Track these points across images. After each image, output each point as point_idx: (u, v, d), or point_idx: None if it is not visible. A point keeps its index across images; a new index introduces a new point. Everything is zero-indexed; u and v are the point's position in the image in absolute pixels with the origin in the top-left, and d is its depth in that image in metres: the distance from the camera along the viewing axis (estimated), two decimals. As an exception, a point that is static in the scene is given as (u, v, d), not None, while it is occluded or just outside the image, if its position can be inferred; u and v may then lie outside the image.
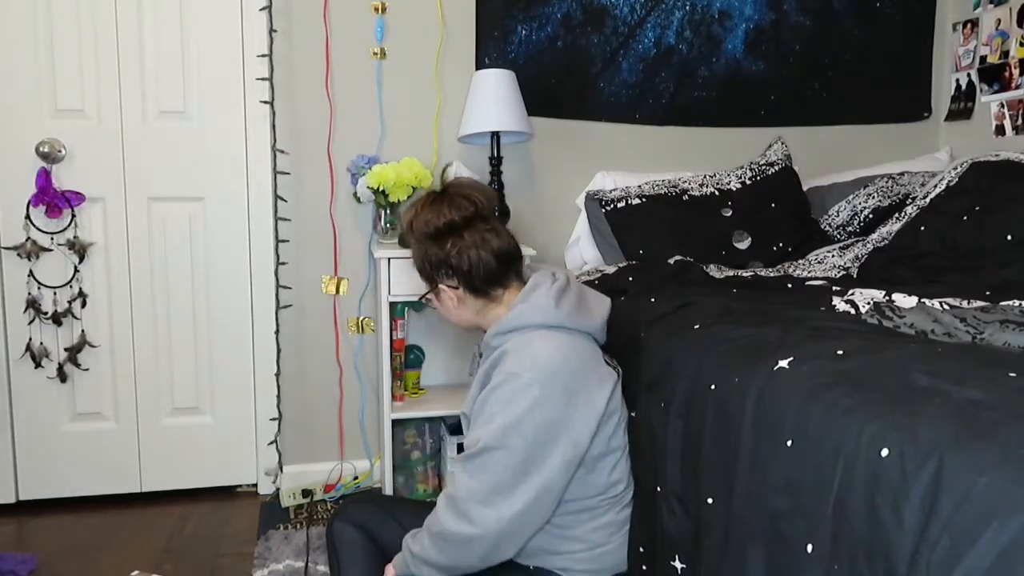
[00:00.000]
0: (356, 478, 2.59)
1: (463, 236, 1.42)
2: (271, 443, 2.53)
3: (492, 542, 1.31)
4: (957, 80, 2.88)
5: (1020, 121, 2.62)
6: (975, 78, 2.79)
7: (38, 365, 2.38)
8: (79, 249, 2.37)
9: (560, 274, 1.50)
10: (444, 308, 1.52)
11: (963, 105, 2.85)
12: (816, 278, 2.04)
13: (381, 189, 2.31)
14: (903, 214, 2.22)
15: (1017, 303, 1.45)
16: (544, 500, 1.32)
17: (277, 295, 2.48)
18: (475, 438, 1.34)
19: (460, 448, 2.39)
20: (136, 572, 1.92)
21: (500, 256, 1.44)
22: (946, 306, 1.44)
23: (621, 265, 2.25)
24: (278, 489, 2.52)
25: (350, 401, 2.60)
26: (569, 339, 1.39)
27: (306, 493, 2.47)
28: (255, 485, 2.59)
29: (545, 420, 1.30)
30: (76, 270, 2.39)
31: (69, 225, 2.36)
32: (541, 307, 1.40)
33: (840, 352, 1.15)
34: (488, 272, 1.43)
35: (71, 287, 2.39)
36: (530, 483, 1.31)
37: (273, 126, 2.43)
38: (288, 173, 2.47)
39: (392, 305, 2.30)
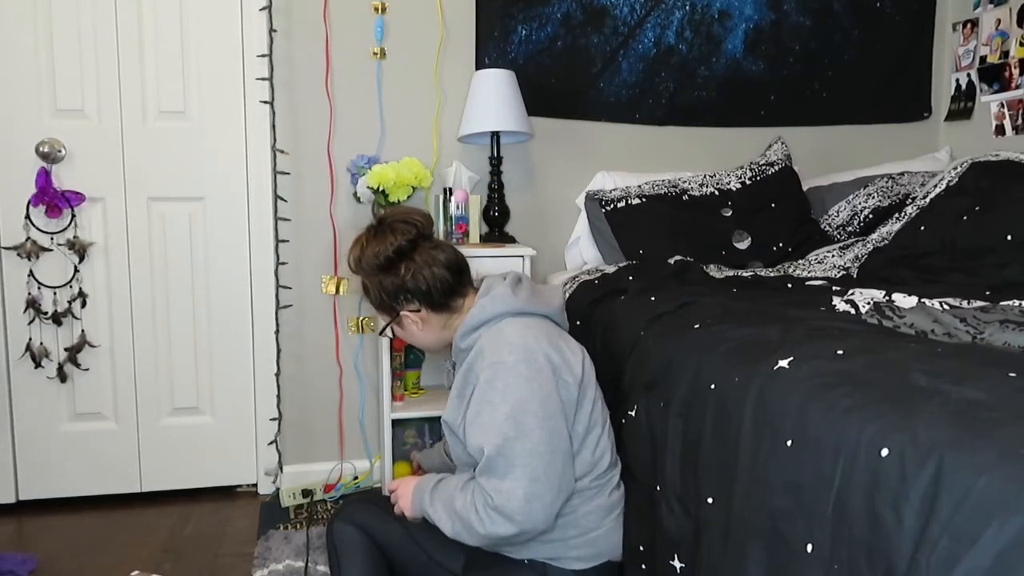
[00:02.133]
0: (356, 478, 2.59)
1: (414, 259, 1.47)
2: (271, 443, 2.53)
3: (538, 530, 1.35)
4: (957, 80, 2.88)
5: (1020, 121, 2.62)
6: (975, 78, 2.79)
7: (38, 365, 2.38)
8: (79, 249, 2.37)
9: (510, 273, 1.56)
10: (409, 334, 1.56)
11: (963, 105, 2.85)
12: (816, 278, 2.04)
13: (381, 189, 2.31)
14: (903, 214, 2.22)
15: (1017, 303, 1.45)
16: (568, 470, 1.38)
17: (277, 295, 2.48)
18: (481, 444, 1.35)
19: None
20: (136, 572, 1.92)
21: (451, 268, 1.50)
22: (946, 306, 1.44)
23: (621, 265, 2.25)
24: (278, 489, 2.52)
25: (350, 401, 2.60)
26: (534, 320, 1.45)
27: (306, 493, 2.47)
28: (255, 485, 2.59)
29: (543, 393, 1.35)
30: (76, 270, 2.39)
31: (69, 225, 2.36)
32: (501, 297, 1.45)
33: (840, 352, 1.15)
34: (445, 286, 1.48)
35: (71, 287, 2.39)
36: (557, 459, 1.35)
37: (273, 126, 2.43)
38: (288, 173, 2.47)
39: (392, 305, 2.29)
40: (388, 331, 1.59)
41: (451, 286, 1.49)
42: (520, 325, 1.41)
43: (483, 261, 2.25)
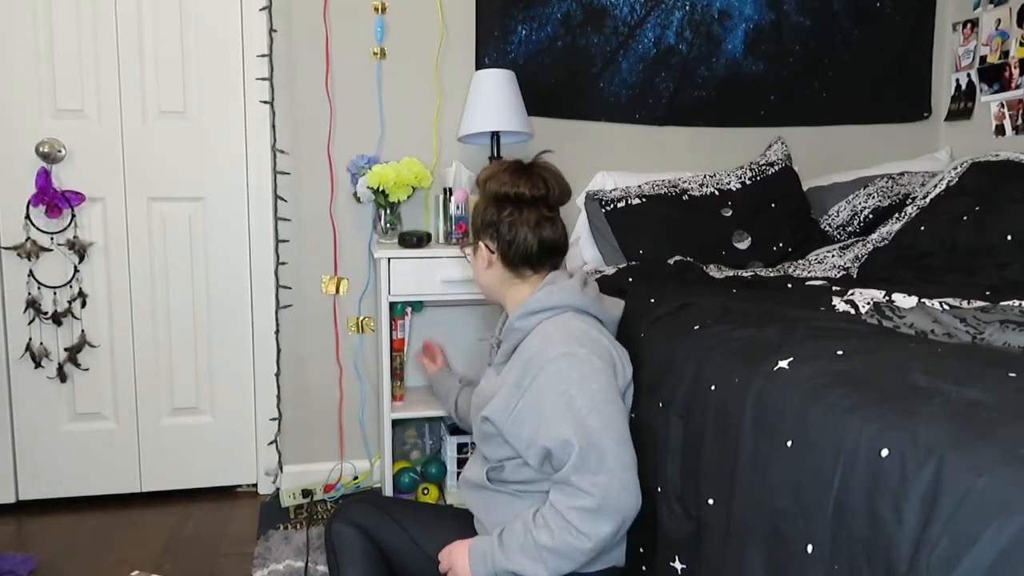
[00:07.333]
0: (356, 478, 2.59)
1: (522, 211, 1.50)
2: (271, 443, 2.53)
3: (632, 517, 1.35)
4: (957, 80, 2.88)
5: (1020, 121, 2.62)
6: (975, 78, 2.79)
7: (38, 365, 2.38)
8: (79, 249, 2.37)
9: (577, 271, 1.59)
10: (475, 266, 1.60)
11: (963, 105, 2.85)
12: (816, 278, 2.03)
13: (381, 189, 2.31)
14: (903, 214, 2.22)
15: (1017, 303, 1.45)
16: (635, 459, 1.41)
17: (277, 295, 2.48)
18: (565, 437, 1.32)
19: (460, 448, 2.39)
20: (136, 572, 1.92)
21: (544, 243, 1.52)
22: (946, 306, 1.44)
23: (621, 266, 2.25)
24: (278, 489, 2.52)
25: (350, 401, 2.60)
26: (593, 322, 1.48)
27: (306, 493, 2.47)
28: (255, 485, 2.59)
29: (614, 384, 1.40)
30: (76, 270, 2.39)
31: (69, 225, 2.36)
32: (569, 290, 1.48)
33: (840, 352, 1.15)
34: (526, 251, 1.51)
35: (71, 287, 2.39)
36: (633, 448, 1.39)
37: (273, 126, 2.43)
38: (288, 173, 2.47)
39: (392, 305, 2.30)
40: (468, 254, 1.63)
41: (530, 256, 1.51)
42: (586, 324, 1.44)
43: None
